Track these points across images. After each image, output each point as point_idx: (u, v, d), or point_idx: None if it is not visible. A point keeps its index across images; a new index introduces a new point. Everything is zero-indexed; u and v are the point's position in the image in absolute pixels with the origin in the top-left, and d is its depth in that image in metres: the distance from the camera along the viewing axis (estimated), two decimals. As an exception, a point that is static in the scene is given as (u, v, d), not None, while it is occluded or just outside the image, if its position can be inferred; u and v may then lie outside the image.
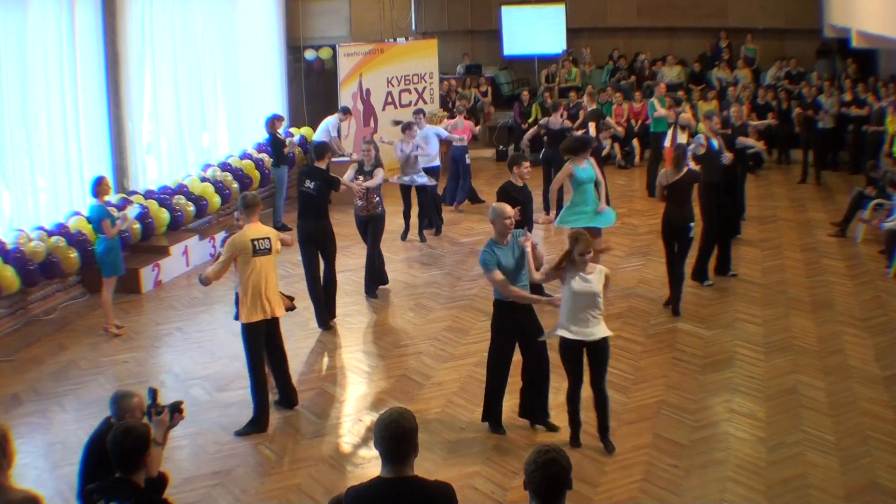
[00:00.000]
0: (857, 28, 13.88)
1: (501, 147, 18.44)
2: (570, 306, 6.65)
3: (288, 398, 7.74)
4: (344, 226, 11.81)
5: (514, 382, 7.20)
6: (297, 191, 9.80)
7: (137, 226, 11.16)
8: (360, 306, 10.26)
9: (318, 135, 14.31)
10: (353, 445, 7.17)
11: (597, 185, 9.94)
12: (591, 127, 13.82)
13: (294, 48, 17.26)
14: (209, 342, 9.33)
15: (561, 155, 10.97)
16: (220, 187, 13.31)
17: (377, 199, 10.34)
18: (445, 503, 3.84)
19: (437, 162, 13.26)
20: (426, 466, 6.28)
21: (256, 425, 7.30)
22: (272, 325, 7.42)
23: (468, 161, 14.06)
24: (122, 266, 9.66)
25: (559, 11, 19.69)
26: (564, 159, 10.25)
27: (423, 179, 12.33)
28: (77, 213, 10.80)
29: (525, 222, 8.51)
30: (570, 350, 6.71)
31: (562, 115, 13.58)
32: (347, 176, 10.31)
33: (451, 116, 15.34)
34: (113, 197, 10.74)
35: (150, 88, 12.69)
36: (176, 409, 4.49)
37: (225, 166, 14.02)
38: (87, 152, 11.35)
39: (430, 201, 12.88)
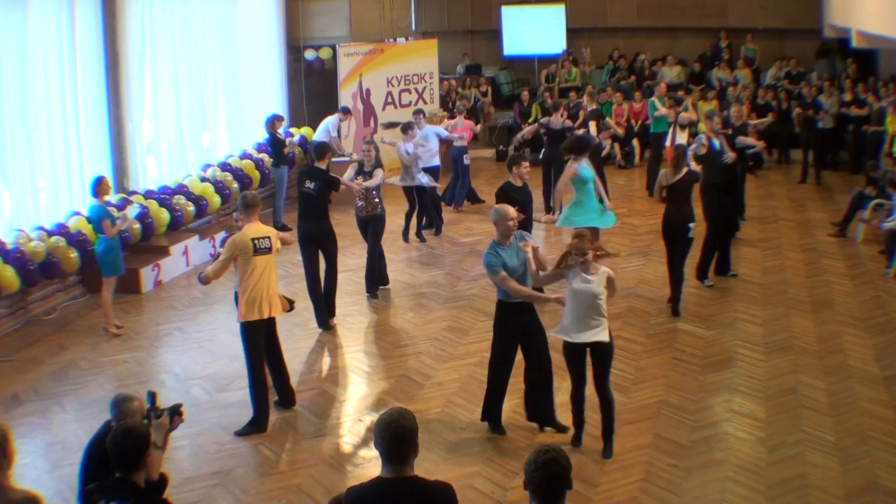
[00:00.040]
0: (857, 28, 13.87)
1: (501, 147, 18.44)
2: (571, 307, 6.65)
3: (286, 398, 7.74)
4: (344, 226, 11.81)
5: (515, 383, 7.20)
6: (297, 191, 9.80)
7: (137, 226, 11.16)
8: (360, 306, 10.26)
9: (318, 135, 14.32)
10: (353, 445, 7.17)
11: (594, 184, 9.98)
12: (592, 126, 13.82)
13: (294, 48, 17.26)
14: (209, 342, 9.33)
15: (561, 155, 10.98)
16: (220, 187, 13.32)
17: (377, 199, 10.34)
18: (445, 503, 3.85)
19: (437, 162, 13.26)
20: (426, 466, 6.28)
21: (256, 426, 7.30)
22: (270, 325, 7.42)
23: (466, 161, 14.04)
24: (122, 266, 9.66)
25: (559, 11, 19.69)
26: (565, 159, 10.27)
27: (424, 180, 12.31)
28: (77, 213, 10.80)
29: (525, 222, 8.50)
30: (572, 351, 6.70)
31: (562, 115, 13.59)
32: (347, 175, 10.31)
33: (452, 116, 15.33)
34: (113, 197, 10.74)
35: (150, 88, 12.69)
36: (175, 412, 4.47)
37: (225, 166, 14.02)
38: (87, 152, 11.35)
39: (429, 201, 12.88)
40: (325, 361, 8.98)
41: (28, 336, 9.64)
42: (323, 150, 9.81)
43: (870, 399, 7.50)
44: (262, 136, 14.70)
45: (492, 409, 7.16)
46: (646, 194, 14.69)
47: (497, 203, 8.76)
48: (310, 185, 9.39)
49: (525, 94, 18.48)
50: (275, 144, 13.76)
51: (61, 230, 10.40)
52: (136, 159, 12.31)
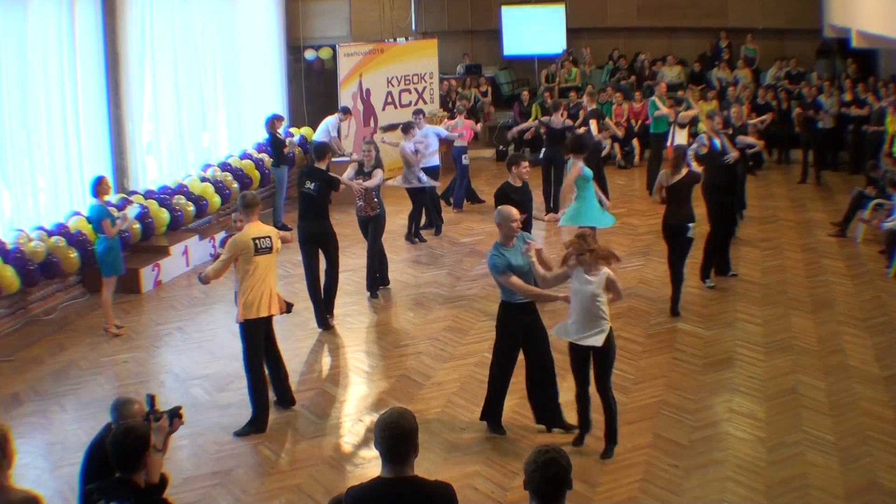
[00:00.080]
0: (857, 28, 13.87)
1: (501, 147, 18.43)
2: (572, 306, 6.66)
3: (286, 399, 7.73)
4: (344, 226, 11.82)
5: (515, 383, 7.19)
6: (297, 192, 9.81)
7: (137, 226, 11.16)
8: (360, 306, 10.27)
9: (318, 135, 14.32)
10: (353, 445, 7.17)
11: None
12: (593, 124, 13.81)
13: (294, 48, 17.26)
14: (209, 342, 9.33)
15: (562, 154, 10.99)
16: (220, 187, 13.32)
17: (376, 199, 10.35)
18: (445, 503, 3.85)
19: (437, 161, 13.26)
20: (426, 466, 6.28)
21: (255, 426, 7.30)
22: (268, 324, 7.42)
23: (465, 161, 14.02)
24: (122, 266, 9.66)
25: (559, 11, 19.69)
26: (565, 158, 10.28)
27: (424, 179, 12.29)
28: (77, 213, 10.80)
29: (525, 222, 8.49)
30: (573, 351, 6.70)
31: (562, 115, 13.59)
32: (347, 175, 10.31)
33: (452, 117, 15.32)
34: (113, 197, 10.75)
35: (150, 88, 12.69)
36: (175, 415, 4.46)
37: (225, 166, 14.02)
38: (87, 152, 11.35)
39: (429, 201, 12.88)
40: (325, 361, 8.98)
41: (28, 336, 9.64)
42: (323, 150, 9.81)
43: (870, 399, 7.50)
44: (262, 136, 14.70)
45: (492, 410, 7.16)
46: (646, 194, 14.69)
47: (496, 204, 8.78)
48: (310, 185, 9.39)
49: (525, 94, 18.48)
50: (275, 144, 13.76)
51: (61, 230, 10.40)
52: (136, 159, 12.31)
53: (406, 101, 16.67)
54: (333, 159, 12.21)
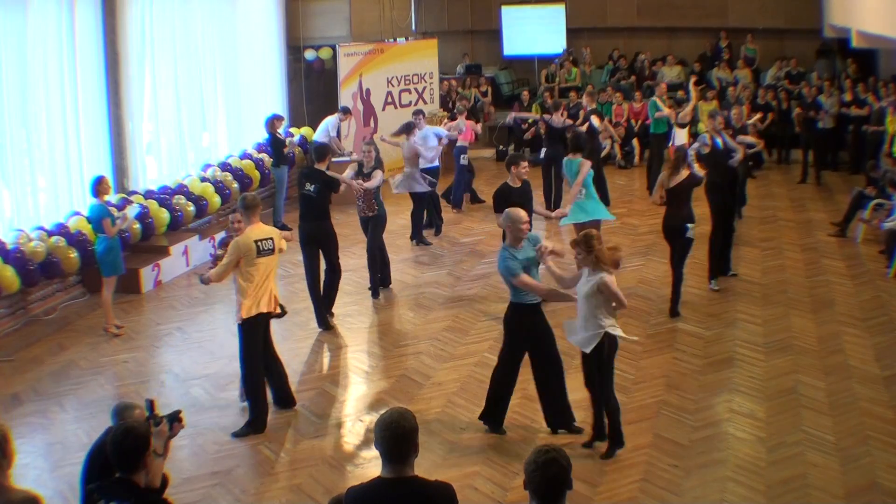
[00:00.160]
0: (857, 28, 13.87)
1: (501, 147, 18.44)
2: (577, 305, 6.67)
3: (285, 399, 7.72)
4: (344, 226, 11.82)
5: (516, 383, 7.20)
6: (298, 192, 9.80)
7: (137, 226, 11.16)
8: (360, 306, 10.27)
9: (318, 135, 14.32)
10: (353, 445, 7.17)
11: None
12: (595, 119, 13.79)
13: (294, 48, 17.25)
14: (209, 342, 9.33)
15: (562, 153, 11.01)
16: (220, 187, 13.31)
17: (374, 200, 10.35)
18: (445, 503, 3.85)
19: (436, 162, 13.25)
20: (426, 466, 6.27)
21: (254, 427, 7.29)
22: (266, 325, 7.40)
23: (463, 161, 13.99)
24: (122, 266, 9.67)
25: (559, 11, 19.69)
26: (567, 157, 10.30)
27: (421, 187, 12.23)
28: (77, 213, 10.80)
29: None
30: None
31: (562, 115, 13.59)
32: (346, 175, 10.31)
33: (452, 117, 15.31)
34: (113, 197, 10.75)
35: (150, 88, 12.69)
36: (175, 419, 4.44)
37: (225, 166, 14.02)
38: (87, 152, 11.35)
39: (430, 201, 12.86)
40: (325, 361, 8.98)
41: (28, 336, 9.64)
42: (323, 151, 9.80)
43: (870, 399, 7.50)
44: (262, 136, 14.70)
45: (496, 411, 7.15)
46: (646, 194, 14.67)
47: (494, 205, 8.79)
48: (310, 187, 9.39)
49: (525, 94, 18.48)
50: (275, 144, 13.76)
51: (61, 230, 10.40)
52: (136, 159, 12.31)
53: (406, 101, 16.68)
54: (333, 159, 12.21)
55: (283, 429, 7.39)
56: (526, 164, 9.04)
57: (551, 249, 6.83)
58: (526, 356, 7.05)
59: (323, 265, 9.63)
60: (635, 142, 17.38)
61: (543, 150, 13.95)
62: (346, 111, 14.75)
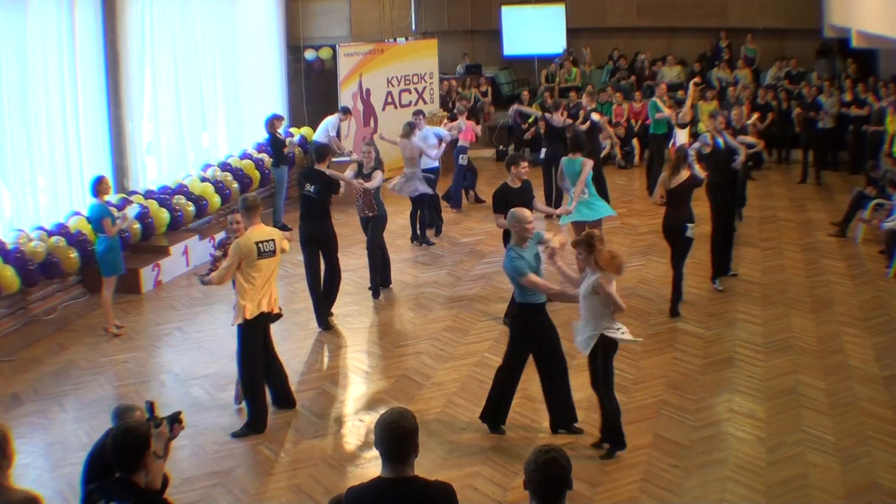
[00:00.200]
0: (857, 28, 13.87)
1: (501, 147, 18.43)
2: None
3: (285, 401, 7.72)
4: (344, 226, 11.82)
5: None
6: (298, 193, 9.80)
7: (137, 226, 11.16)
8: (360, 306, 10.27)
9: (318, 135, 14.32)
10: (353, 445, 7.17)
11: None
12: (597, 115, 13.77)
13: (294, 48, 17.26)
14: (209, 342, 9.33)
15: (562, 153, 11.01)
16: (220, 187, 13.31)
17: (374, 201, 10.35)
18: (445, 503, 3.85)
19: (436, 163, 13.25)
20: (426, 466, 6.28)
21: (253, 427, 7.28)
22: (265, 326, 7.39)
23: (462, 161, 13.98)
24: (122, 266, 9.67)
25: (559, 11, 19.69)
26: (567, 157, 10.30)
27: (423, 188, 12.23)
28: (77, 213, 10.80)
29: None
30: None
31: (562, 115, 13.59)
32: (347, 174, 10.30)
33: (452, 117, 15.31)
34: (113, 197, 10.75)
35: (150, 88, 12.69)
36: (175, 420, 4.43)
37: (225, 166, 14.02)
38: (87, 152, 11.35)
39: (430, 201, 12.86)
40: (325, 361, 8.98)
41: (28, 336, 9.64)
42: (323, 152, 9.79)
43: (870, 399, 7.50)
44: (262, 136, 14.70)
45: (497, 411, 7.15)
46: (646, 194, 14.67)
47: (494, 206, 8.79)
48: (310, 188, 9.39)
49: (525, 94, 18.45)
50: (275, 144, 13.76)
51: (61, 230, 10.40)
52: (136, 159, 12.31)
53: (406, 101, 16.68)
54: (333, 159, 12.20)
55: (283, 429, 7.39)
56: (526, 164, 9.03)
57: (556, 245, 6.82)
58: (530, 356, 7.05)
59: (323, 265, 9.64)
60: (635, 142, 17.38)
61: (543, 150, 13.96)
62: (346, 111, 14.76)
